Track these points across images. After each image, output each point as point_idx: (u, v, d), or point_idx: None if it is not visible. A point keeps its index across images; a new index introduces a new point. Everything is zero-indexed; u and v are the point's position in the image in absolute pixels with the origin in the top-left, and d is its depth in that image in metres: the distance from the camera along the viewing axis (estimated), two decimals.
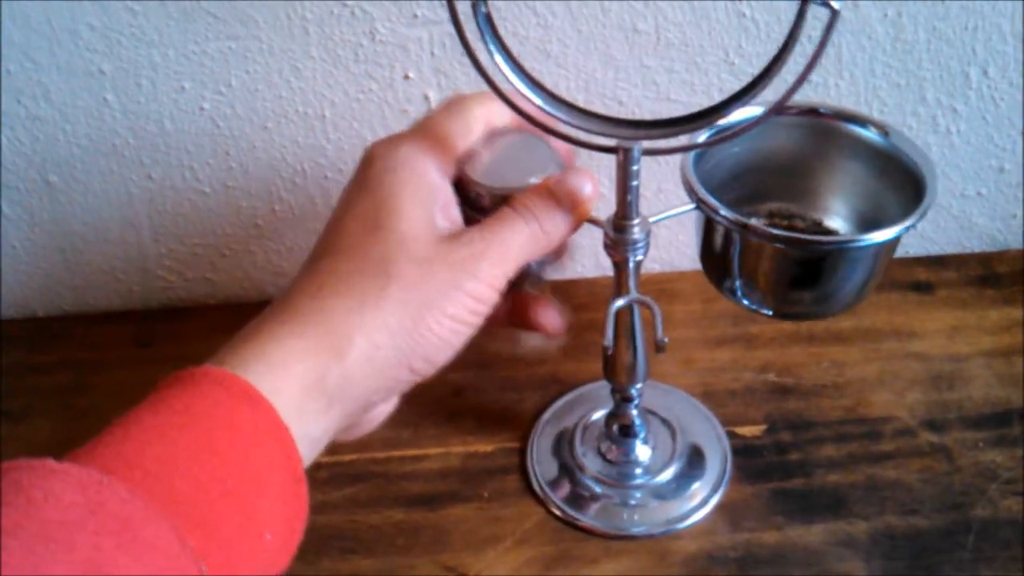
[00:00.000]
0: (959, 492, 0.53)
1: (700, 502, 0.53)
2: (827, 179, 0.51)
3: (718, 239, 0.48)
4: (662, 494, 0.54)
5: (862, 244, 0.45)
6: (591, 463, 0.55)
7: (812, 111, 0.50)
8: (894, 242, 0.46)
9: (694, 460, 0.56)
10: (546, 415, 0.59)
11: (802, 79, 0.39)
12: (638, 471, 0.55)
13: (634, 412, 0.54)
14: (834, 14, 0.37)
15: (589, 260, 0.66)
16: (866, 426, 0.57)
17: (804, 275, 0.47)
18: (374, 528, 0.53)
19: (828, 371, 0.61)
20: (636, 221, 0.45)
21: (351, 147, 0.62)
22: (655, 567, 0.51)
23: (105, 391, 0.63)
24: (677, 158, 0.48)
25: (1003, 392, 0.59)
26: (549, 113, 0.43)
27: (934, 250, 0.70)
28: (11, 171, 0.63)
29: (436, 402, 0.60)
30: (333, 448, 0.57)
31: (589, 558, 0.51)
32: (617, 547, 0.52)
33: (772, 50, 0.40)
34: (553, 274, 0.49)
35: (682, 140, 0.45)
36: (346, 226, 0.41)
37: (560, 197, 0.43)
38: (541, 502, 0.54)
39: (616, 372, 0.51)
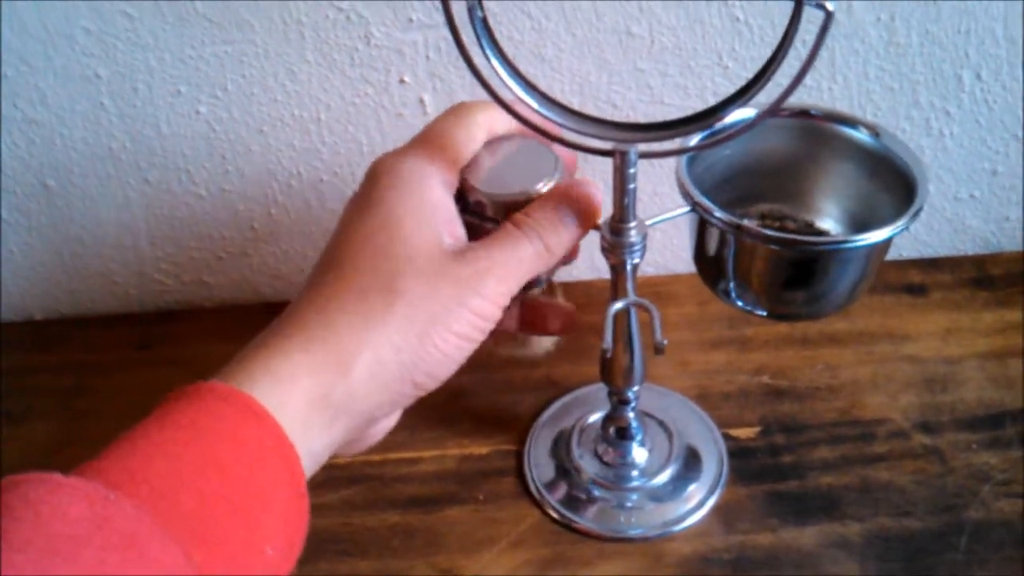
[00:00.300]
0: (952, 494, 0.53)
1: (696, 504, 0.53)
2: (819, 181, 0.52)
3: (712, 241, 0.49)
4: (658, 496, 0.54)
5: (854, 245, 0.45)
6: (588, 465, 0.55)
7: (803, 113, 0.50)
8: (886, 243, 0.46)
9: (690, 462, 0.56)
10: (542, 417, 0.59)
11: (797, 82, 0.39)
12: (634, 473, 0.55)
13: (631, 415, 0.54)
14: (828, 16, 0.37)
15: (584, 263, 0.66)
16: (859, 428, 0.57)
17: (797, 276, 0.47)
18: (370, 530, 0.54)
19: (822, 373, 0.61)
20: (633, 224, 0.45)
21: (347, 151, 0.63)
22: (650, 569, 0.51)
23: (104, 393, 0.63)
24: (671, 161, 0.48)
25: (996, 394, 0.59)
26: (546, 117, 0.43)
27: (928, 252, 0.70)
28: (8, 175, 0.63)
29: (432, 405, 0.59)
30: None
31: (584, 560, 0.51)
32: (612, 549, 0.52)
33: (765, 53, 0.40)
34: (562, 274, 0.49)
35: (677, 143, 0.45)
36: (352, 242, 0.41)
37: (568, 207, 0.43)
38: (537, 504, 0.54)
39: (613, 375, 0.51)
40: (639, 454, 0.55)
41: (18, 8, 0.57)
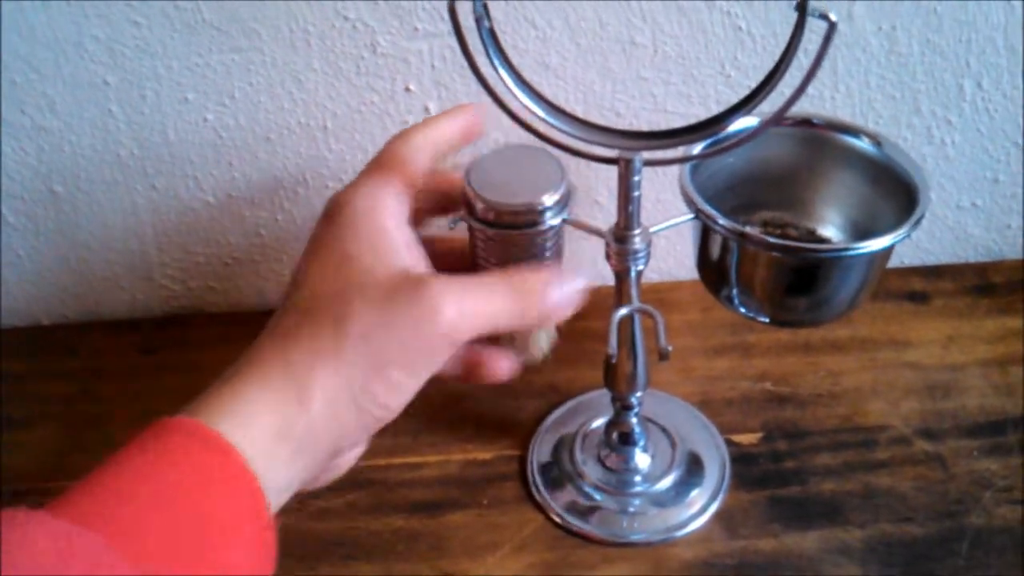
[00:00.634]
0: (954, 500, 0.54)
1: (698, 510, 0.54)
2: (821, 189, 0.52)
3: (716, 248, 0.49)
4: (661, 502, 0.54)
5: (856, 253, 0.46)
6: (591, 471, 0.56)
7: (806, 122, 0.51)
8: (887, 251, 0.47)
9: (692, 468, 0.56)
10: (546, 423, 0.59)
11: (799, 92, 0.40)
12: (637, 479, 0.55)
13: (634, 420, 0.54)
14: (832, 26, 0.38)
15: (588, 269, 0.67)
16: (861, 435, 0.58)
17: (799, 283, 0.48)
18: (373, 534, 0.54)
19: (824, 380, 0.62)
20: (637, 231, 0.46)
21: (352, 158, 0.63)
22: (653, 574, 0.51)
23: (110, 399, 0.63)
24: (675, 169, 0.48)
25: (998, 401, 0.60)
26: (552, 124, 0.43)
27: (930, 260, 0.71)
28: (16, 181, 0.64)
29: (436, 410, 0.61)
30: None
31: (587, 565, 0.52)
32: (615, 554, 0.52)
33: (768, 62, 0.41)
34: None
35: (681, 151, 0.46)
36: (309, 278, 0.42)
37: (565, 292, 0.43)
38: (540, 509, 0.55)
39: (617, 381, 0.52)
40: (642, 459, 0.56)
41: (27, 15, 0.57)
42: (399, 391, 0.40)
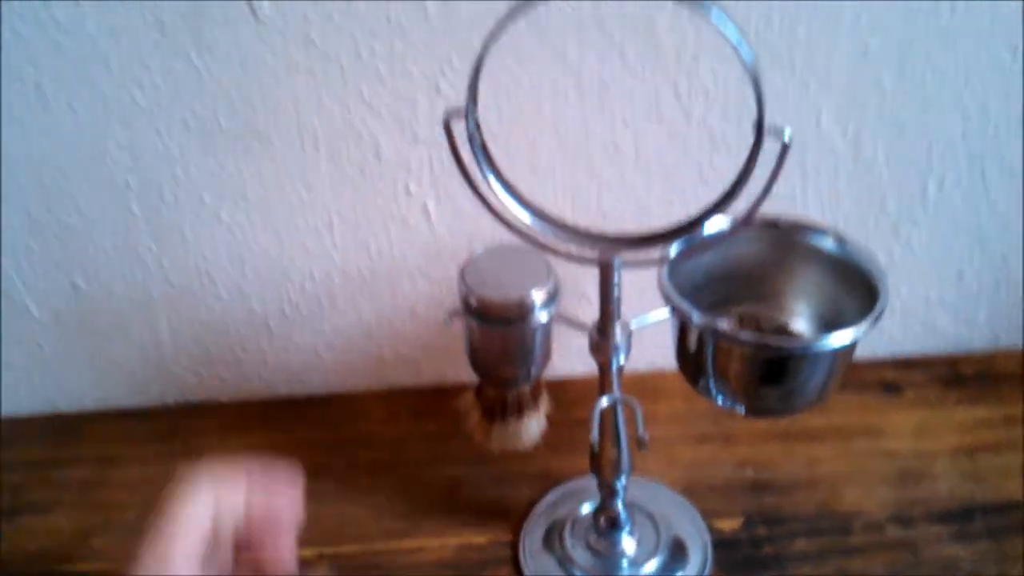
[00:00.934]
0: None
1: None
2: (790, 284, 0.56)
3: (692, 341, 0.53)
4: None
5: (821, 347, 0.49)
6: (580, 555, 0.58)
7: (773, 223, 0.55)
8: (851, 345, 0.50)
9: (677, 553, 0.59)
10: (538, 508, 0.62)
11: (759, 202, 0.44)
12: (624, 563, 0.58)
13: (620, 505, 0.57)
14: (785, 147, 0.42)
15: (579, 360, 0.70)
16: (837, 521, 0.61)
17: (770, 375, 0.51)
18: None
19: (802, 467, 0.65)
20: (617, 327, 0.49)
21: (356, 254, 0.67)
22: None
23: (125, 485, 0.67)
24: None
25: (966, 488, 0.62)
26: (538, 229, 0.48)
27: (902, 352, 0.74)
28: (41, 276, 0.68)
29: (433, 496, 0.64)
30: (335, 539, 0.61)
31: None
32: None
33: (741, 166, 0.45)
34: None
35: (657, 253, 0.50)
36: None
37: None
38: None
39: (602, 467, 0.55)
40: (628, 544, 0.58)
41: (57, 119, 0.62)
42: None
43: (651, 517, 0.60)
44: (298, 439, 0.69)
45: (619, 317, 0.49)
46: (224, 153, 0.64)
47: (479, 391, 0.57)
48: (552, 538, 0.60)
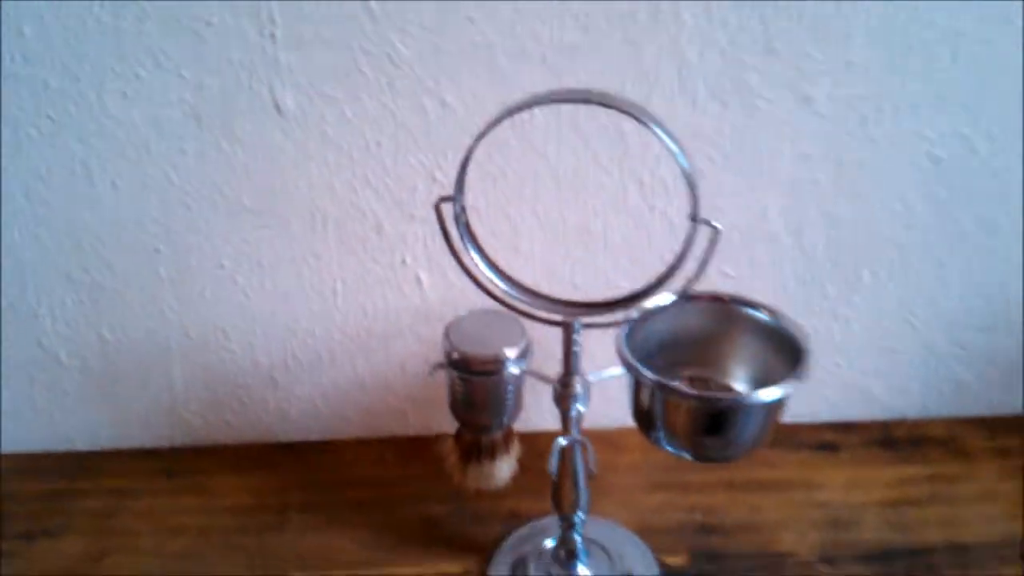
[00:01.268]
0: None
1: None
2: (731, 351, 0.64)
3: (645, 397, 0.61)
4: None
5: (753, 401, 0.58)
6: None
7: (717, 298, 0.64)
8: (779, 401, 0.59)
9: None
10: (507, 543, 0.70)
11: (695, 279, 0.53)
12: None
13: (577, 538, 0.65)
14: (716, 232, 0.51)
15: (550, 415, 0.79)
16: (773, 559, 0.68)
17: (711, 426, 0.59)
18: None
19: (745, 513, 0.73)
20: (577, 380, 0.58)
21: (356, 316, 0.76)
22: None
23: (135, 514, 0.74)
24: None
25: (889, 535, 0.71)
26: (513, 296, 0.57)
27: (841, 416, 0.83)
28: (72, 328, 0.76)
29: (414, 530, 0.71)
30: (324, 565, 0.68)
31: None
32: None
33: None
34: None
35: (615, 318, 0.59)
36: None
37: None
38: None
39: (561, 502, 0.63)
40: (584, 573, 0.66)
41: (102, 195, 0.71)
42: None
43: (607, 551, 0.68)
44: (293, 480, 0.77)
45: (579, 372, 0.58)
46: (244, 227, 0.73)
47: (458, 436, 0.66)
48: (518, 568, 0.67)
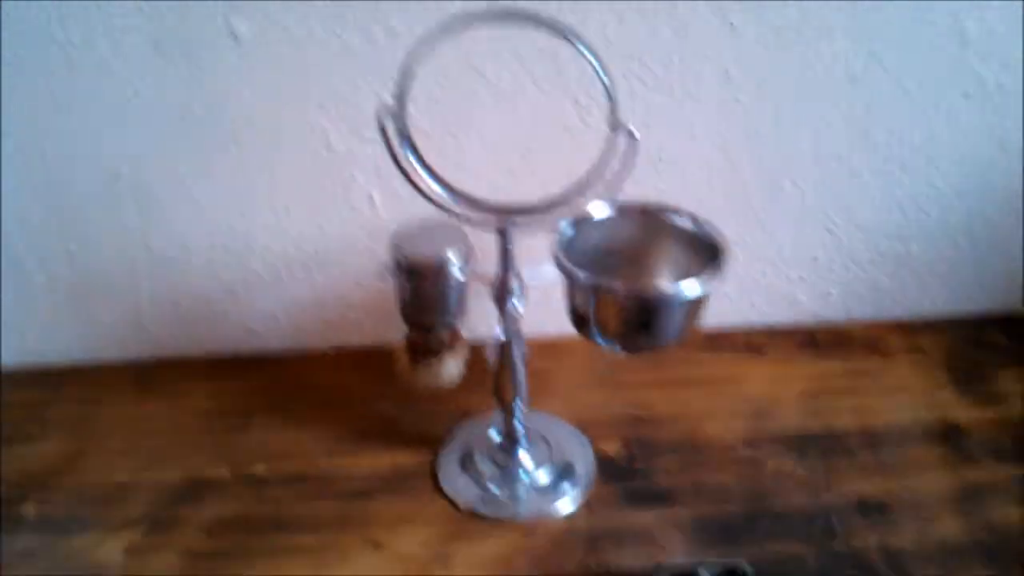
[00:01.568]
0: (761, 490, 0.70)
1: (568, 497, 0.70)
2: (659, 259, 0.69)
3: (578, 296, 0.67)
4: (540, 491, 0.71)
5: (675, 292, 0.63)
6: (486, 467, 0.72)
7: (644, 209, 0.69)
8: (700, 296, 0.64)
9: (566, 467, 0.73)
10: (455, 435, 0.76)
11: (618, 183, 0.58)
12: (521, 472, 0.72)
13: (517, 424, 0.71)
14: (634, 139, 0.56)
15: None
16: (698, 444, 0.75)
17: (638, 317, 0.65)
18: (315, 514, 0.69)
19: (675, 407, 0.79)
20: (512, 277, 0.63)
21: (310, 232, 0.81)
22: (527, 540, 0.67)
23: (107, 420, 0.79)
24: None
25: (808, 422, 0.77)
26: (449, 200, 0.62)
27: (768, 321, 0.89)
28: (40, 243, 0.80)
29: (370, 427, 0.77)
30: (285, 457, 0.73)
31: (479, 534, 0.67)
32: (501, 528, 0.68)
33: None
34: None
35: (544, 225, 0.64)
36: None
37: None
38: (446, 496, 0.71)
39: (501, 391, 0.69)
40: (525, 458, 0.72)
41: (67, 119, 0.75)
42: None
43: (547, 440, 0.74)
44: (256, 387, 0.82)
45: (514, 271, 0.63)
46: (204, 146, 0.77)
47: (407, 339, 0.71)
48: (465, 458, 0.73)
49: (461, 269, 0.66)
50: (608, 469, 0.73)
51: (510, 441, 0.72)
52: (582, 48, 0.55)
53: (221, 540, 0.67)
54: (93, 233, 0.80)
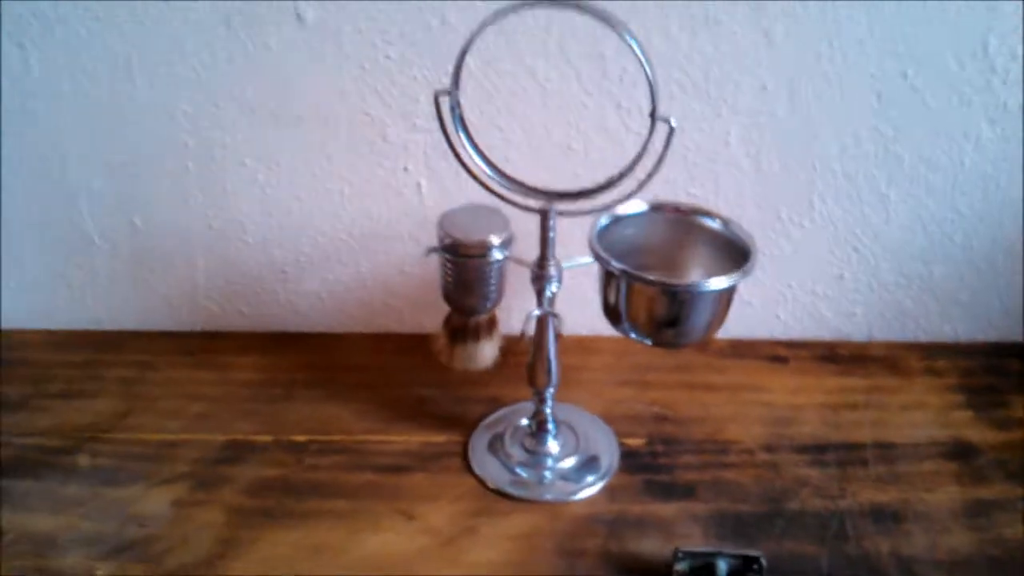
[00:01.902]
0: (779, 492, 0.73)
1: (592, 484, 0.73)
2: (690, 258, 0.73)
3: (611, 287, 0.70)
4: (565, 476, 0.74)
5: (704, 287, 0.66)
6: (515, 452, 0.75)
7: (678, 208, 0.72)
8: (726, 291, 0.67)
9: (591, 456, 0.76)
10: (486, 420, 0.79)
11: (651, 175, 0.62)
12: (549, 460, 0.75)
13: (548, 411, 0.74)
14: (671, 129, 0.60)
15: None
16: (719, 446, 0.78)
17: (668, 311, 0.68)
18: (351, 483, 0.73)
19: (698, 409, 0.82)
20: (552, 262, 0.67)
21: (361, 217, 0.85)
22: (551, 522, 0.70)
23: (158, 383, 0.83)
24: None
25: (824, 432, 0.80)
26: (496, 181, 0.65)
27: (792, 335, 0.92)
28: (107, 214, 0.85)
29: (405, 407, 0.80)
30: (324, 430, 0.77)
31: (504, 512, 0.70)
32: (525, 507, 0.71)
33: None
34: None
35: (586, 209, 0.68)
36: None
37: None
38: (474, 475, 0.74)
39: (535, 374, 0.72)
40: (553, 446, 0.75)
41: (139, 92, 0.79)
42: None
43: (574, 430, 0.77)
44: (298, 363, 0.86)
45: (553, 256, 0.67)
46: (265, 127, 0.81)
47: (447, 320, 0.75)
48: (495, 441, 0.76)
49: (502, 251, 0.69)
50: (631, 461, 0.76)
51: (539, 427, 0.75)
52: (627, 37, 0.58)
53: (262, 500, 0.71)
54: (157, 206, 0.85)
